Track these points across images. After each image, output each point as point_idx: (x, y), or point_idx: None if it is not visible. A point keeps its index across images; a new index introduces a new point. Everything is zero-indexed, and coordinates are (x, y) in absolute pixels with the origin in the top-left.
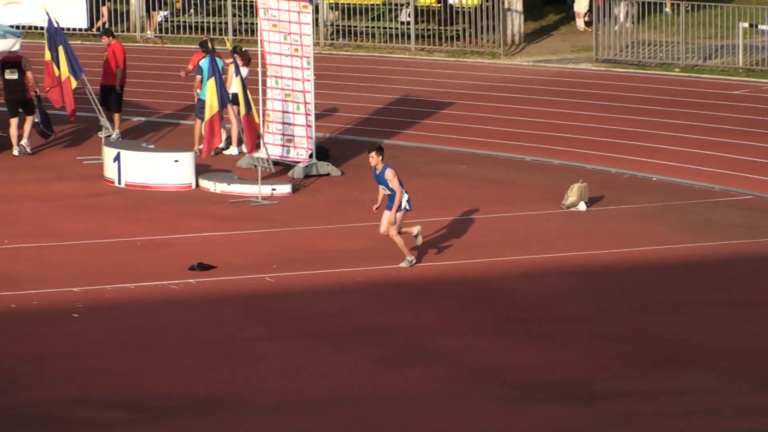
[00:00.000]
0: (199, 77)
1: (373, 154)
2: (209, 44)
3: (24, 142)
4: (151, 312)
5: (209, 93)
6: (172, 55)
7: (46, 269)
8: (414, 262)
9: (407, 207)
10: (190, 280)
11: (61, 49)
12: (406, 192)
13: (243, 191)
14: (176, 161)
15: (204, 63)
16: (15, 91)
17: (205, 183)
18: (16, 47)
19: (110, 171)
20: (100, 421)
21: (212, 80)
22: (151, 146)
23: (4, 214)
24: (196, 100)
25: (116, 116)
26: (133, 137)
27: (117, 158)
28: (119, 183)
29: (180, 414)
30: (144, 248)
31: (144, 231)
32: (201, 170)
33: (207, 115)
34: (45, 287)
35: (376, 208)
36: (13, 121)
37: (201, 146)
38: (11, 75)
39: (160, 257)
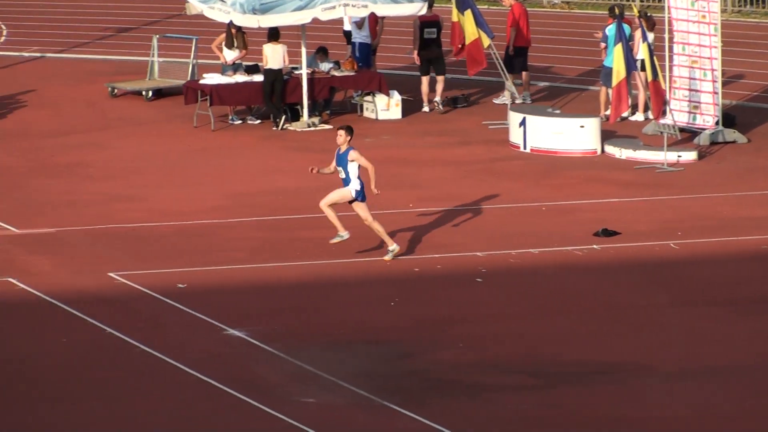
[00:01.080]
0: (603, 44)
1: (342, 132)
2: (616, 10)
3: (437, 99)
4: (555, 277)
5: (616, 59)
6: (578, 21)
7: (450, 233)
8: (396, 249)
9: (353, 195)
10: (594, 246)
11: (468, 12)
12: (359, 180)
13: (648, 157)
14: (582, 127)
15: (610, 30)
16: (431, 49)
17: (610, 149)
18: (423, 11)
19: (515, 136)
20: (503, 385)
21: (619, 46)
22: (557, 111)
23: (409, 177)
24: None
25: (524, 75)
26: (540, 102)
27: (522, 123)
28: (524, 148)
29: (584, 380)
30: (548, 213)
31: (548, 196)
32: (606, 136)
33: (614, 81)
34: (449, 251)
35: (313, 170)
36: (425, 79)
37: (607, 112)
38: (429, 35)
39: (565, 223)
